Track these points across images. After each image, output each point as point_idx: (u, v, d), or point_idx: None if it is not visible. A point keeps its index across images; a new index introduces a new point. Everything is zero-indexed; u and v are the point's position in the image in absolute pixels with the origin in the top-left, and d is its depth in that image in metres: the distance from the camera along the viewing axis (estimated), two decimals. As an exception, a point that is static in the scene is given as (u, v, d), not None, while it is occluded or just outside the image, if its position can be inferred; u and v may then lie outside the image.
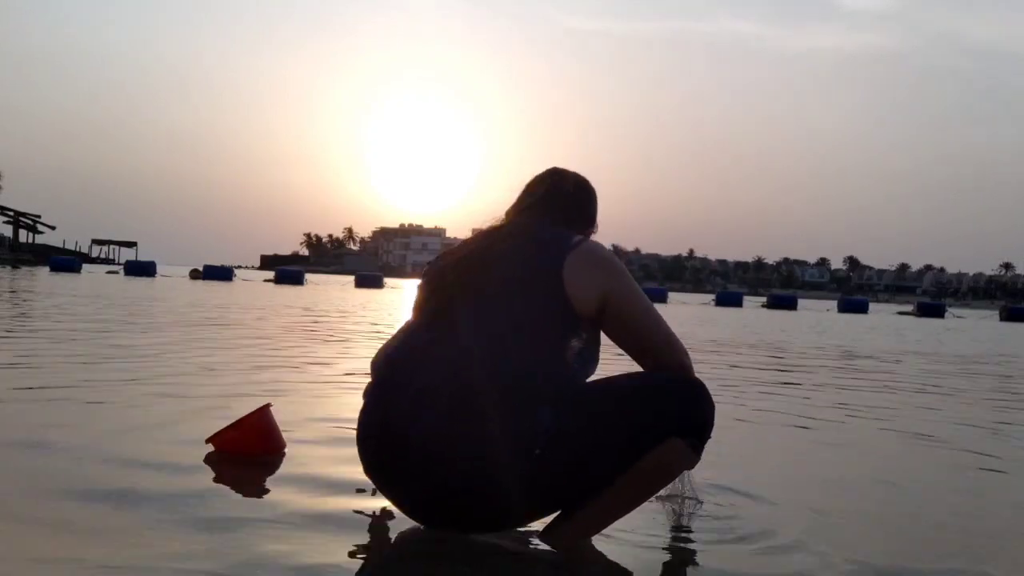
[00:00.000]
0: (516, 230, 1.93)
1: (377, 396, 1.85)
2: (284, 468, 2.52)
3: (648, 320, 1.87)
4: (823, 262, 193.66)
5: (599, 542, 1.93)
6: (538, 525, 1.92)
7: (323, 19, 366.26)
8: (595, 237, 2.05)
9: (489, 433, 1.69)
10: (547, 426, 1.70)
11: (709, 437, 1.84)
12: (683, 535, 2.07)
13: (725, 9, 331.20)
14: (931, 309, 39.06)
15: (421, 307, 1.93)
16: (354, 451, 1.91)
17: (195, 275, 35.78)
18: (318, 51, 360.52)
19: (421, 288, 1.97)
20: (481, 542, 1.90)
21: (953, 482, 2.94)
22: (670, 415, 1.77)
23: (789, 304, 37.46)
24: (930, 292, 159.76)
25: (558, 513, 1.88)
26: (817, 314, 30.09)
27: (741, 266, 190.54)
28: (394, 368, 1.84)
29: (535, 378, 1.73)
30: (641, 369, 1.92)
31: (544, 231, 1.91)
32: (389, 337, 1.97)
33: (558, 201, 2.03)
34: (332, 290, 28.76)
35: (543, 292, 1.78)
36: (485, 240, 1.93)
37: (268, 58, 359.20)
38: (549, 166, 2.12)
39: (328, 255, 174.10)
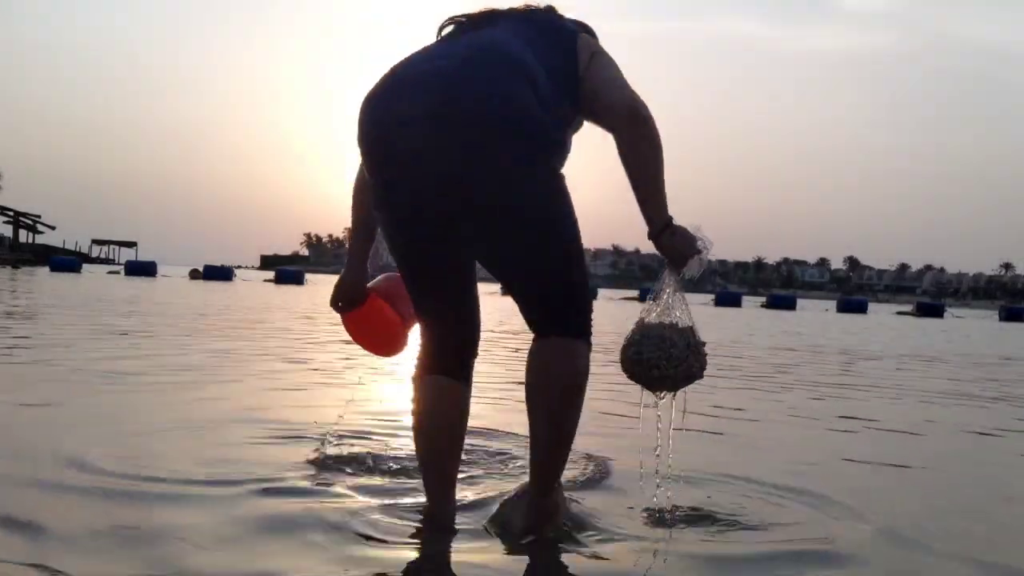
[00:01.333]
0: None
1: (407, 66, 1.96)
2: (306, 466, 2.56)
3: (614, 73, 2.04)
4: (823, 262, 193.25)
5: (597, 536, 1.99)
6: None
7: (323, 18, 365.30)
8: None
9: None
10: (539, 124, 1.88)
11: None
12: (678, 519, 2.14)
13: (726, 9, 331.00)
14: (930, 309, 39.13)
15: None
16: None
17: (195, 275, 35.60)
18: (318, 50, 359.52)
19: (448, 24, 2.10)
20: (478, 546, 1.97)
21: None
22: (573, 308, 2.00)
23: (788, 304, 37.48)
24: (930, 292, 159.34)
25: (520, 489, 2.06)
26: (815, 314, 30.09)
27: (741, 266, 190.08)
28: (422, 54, 2.00)
29: (547, 86, 1.91)
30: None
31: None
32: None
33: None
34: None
35: (562, 40, 2.01)
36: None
37: (268, 57, 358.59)
38: None
39: (328, 255, 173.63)
